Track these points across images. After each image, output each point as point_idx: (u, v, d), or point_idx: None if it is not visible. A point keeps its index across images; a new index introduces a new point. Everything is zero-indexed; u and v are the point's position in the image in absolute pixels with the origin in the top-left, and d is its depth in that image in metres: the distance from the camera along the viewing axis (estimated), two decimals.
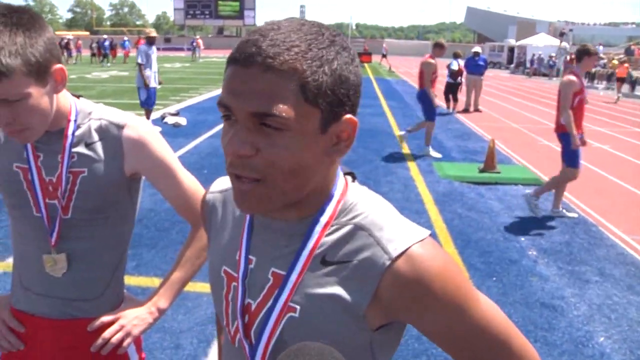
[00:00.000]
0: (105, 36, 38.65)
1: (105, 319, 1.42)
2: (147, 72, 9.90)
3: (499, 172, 7.66)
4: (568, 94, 5.70)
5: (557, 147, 10.25)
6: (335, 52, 0.81)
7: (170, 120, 11.34)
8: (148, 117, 10.13)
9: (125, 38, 41.15)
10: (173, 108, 13.22)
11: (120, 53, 38.18)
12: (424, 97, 8.78)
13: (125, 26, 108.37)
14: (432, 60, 8.66)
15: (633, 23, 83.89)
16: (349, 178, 0.96)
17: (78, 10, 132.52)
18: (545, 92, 23.88)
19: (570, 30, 55.18)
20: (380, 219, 0.88)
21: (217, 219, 1.04)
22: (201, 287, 3.99)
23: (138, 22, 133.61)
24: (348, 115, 0.84)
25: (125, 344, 1.40)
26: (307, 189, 0.85)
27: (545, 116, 15.02)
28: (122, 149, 1.38)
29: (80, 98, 1.43)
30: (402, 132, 9.46)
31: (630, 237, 5.50)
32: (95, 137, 1.38)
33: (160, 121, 11.32)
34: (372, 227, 0.87)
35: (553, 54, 37.12)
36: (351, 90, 0.83)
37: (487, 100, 17.48)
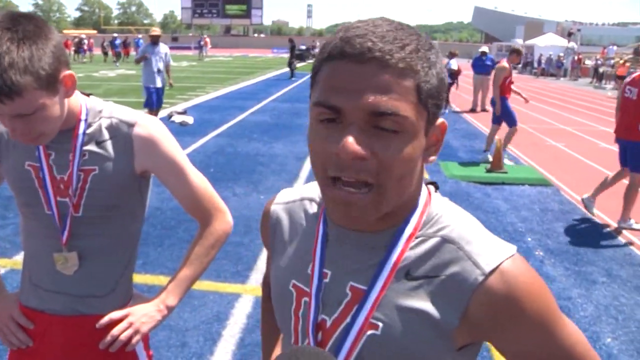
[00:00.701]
0: (115, 34, 38.14)
1: (114, 315, 1.43)
2: (153, 70, 9.54)
3: (505, 172, 7.64)
4: None
5: (564, 147, 10.30)
6: (436, 55, 0.79)
7: (177, 118, 11.37)
8: None
9: (139, 36, 40.83)
10: (180, 107, 13.26)
11: (133, 52, 37.31)
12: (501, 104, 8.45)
13: (133, 25, 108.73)
14: (505, 65, 8.45)
15: None
16: (432, 188, 0.91)
17: (86, 8, 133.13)
18: (553, 92, 23.80)
19: (578, 30, 55.01)
20: (469, 232, 0.84)
21: (283, 231, 0.99)
22: (207, 285, 4.00)
23: (146, 21, 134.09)
24: (441, 119, 0.82)
25: (133, 341, 1.41)
26: (405, 197, 0.81)
27: (552, 116, 14.97)
28: (133, 147, 1.39)
29: (90, 96, 1.44)
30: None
31: (638, 238, 5.48)
32: (106, 135, 1.39)
33: (167, 120, 11.34)
34: (460, 240, 0.82)
35: (561, 54, 36.94)
36: (445, 94, 0.81)
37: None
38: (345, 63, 0.73)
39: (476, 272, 0.79)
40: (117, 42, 34.48)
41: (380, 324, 0.82)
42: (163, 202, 5.63)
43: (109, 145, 1.39)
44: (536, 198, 6.73)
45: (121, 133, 1.39)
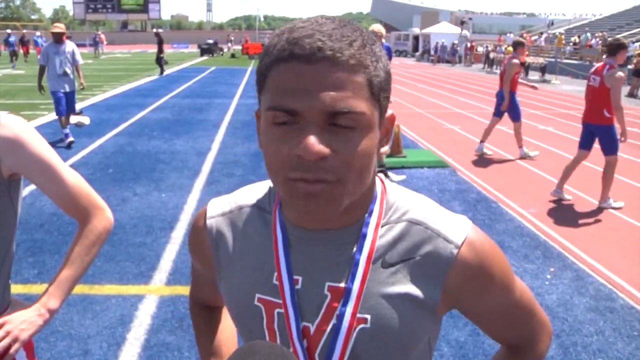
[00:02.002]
0: (9, 30, 33.28)
1: None
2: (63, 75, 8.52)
3: (405, 157, 7.92)
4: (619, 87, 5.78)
5: (460, 130, 10.82)
6: (380, 49, 0.78)
7: (72, 119, 10.75)
8: (63, 126, 8.71)
9: (38, 33, 36.10)
10: (76, 107, 12.59)
11: (32, 50, 33.15)
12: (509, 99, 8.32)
13: (19, 20, 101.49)
14: (517, 61, 8.23)
15: (524, 13, 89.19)
16: (382, 176, 0.93)
17: None
18: (449, 78, 24.90)
19: (470, 19, 57.78)
20: (430, 212, 0.87)
21: (228, 245, 0.93)
22: (109, 289, 3.87)
23: (33, 17, 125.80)
24: (390, 111, 0.84)
25: (12, 350, 1.33)
26: (364, 189, 0.81)
27: (448, 101, 15.67)
28: None
29: None
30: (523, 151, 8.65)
31: (526, 211, 5.89)
32: None
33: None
34: (426, 220, 0.85)
35: (455, 42, 38.68)
36: (390, 84, 0.82)
37: (392, 87, 17.96)
38: (295, 65, 0.72)
39: (449, 246, 0.83)
40: (12, 39, 29.74)
41: (369, 316, 0.82)
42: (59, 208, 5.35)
43: None
44: (434, 179, 7.05)
45: None
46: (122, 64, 30.54)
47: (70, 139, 8.69)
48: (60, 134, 8.87)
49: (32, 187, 1.46)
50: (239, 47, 44.60)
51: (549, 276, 4.27)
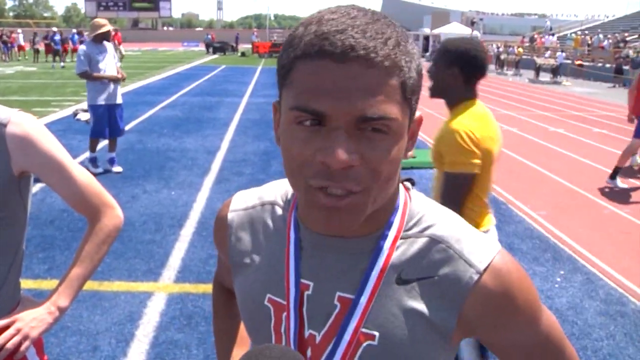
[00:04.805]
0: (55, 29, 31.78)
1: (0, 323, 1.35)
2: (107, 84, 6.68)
3: (414, 157, 7.89)
4: None
5: None
6: (413, 47, 0.72)
7: (82, 116, 10.82)
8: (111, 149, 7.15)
9: (74, 30, 34.60)
10: (86, 104, 12.65)
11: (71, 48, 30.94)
12: None
13: (32, 18, 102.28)
14: None
15: (536, 14, 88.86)
16: (408, 185, 0.86)
17: None
18: None
19: (481, 19, 57.60)
20: (455, 230, 0.80)
21: (245, 241, 0.91)
22: (118, 285, 3.88)
23: (46, 14, 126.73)
24: (419, 113, 0.77)
25: (22, 348, 1.33)
26: (387, 198, 0.76)
27: None
28: (7, 147, 1.30)
29: None
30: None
31: (536, 213, 5.85)
32: None
33: (72, 118, 10.83)
34: (449, 239, 0.79)
35: None
36: (421, 87, 0.75)
37: None
38: (325, 63, 0.66)
39: (470, 271, 0.76)
40: (56, 37, 27.67)
41: (377, 334, 0.77)
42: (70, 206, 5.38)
43: None
44: None
45: None
46: (133, 62, 30.65)
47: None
48: (71, 130, 8.88)
49: (43, 183, 1.45)
50: (249, 46, 44.64)
51: (559, 279, 4.24)
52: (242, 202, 0.94)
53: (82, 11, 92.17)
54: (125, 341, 3.25)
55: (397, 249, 0.79)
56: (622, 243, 5.10)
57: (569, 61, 27.79)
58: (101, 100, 6.75)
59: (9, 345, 1.31)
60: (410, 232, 0.80)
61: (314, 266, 0.81)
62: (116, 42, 30.68)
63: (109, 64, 6.66)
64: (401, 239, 0.80)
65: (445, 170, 2.27)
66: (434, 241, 0.79)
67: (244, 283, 0.90)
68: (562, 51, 29.25)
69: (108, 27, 6.64)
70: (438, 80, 2.38)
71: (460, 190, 2.25)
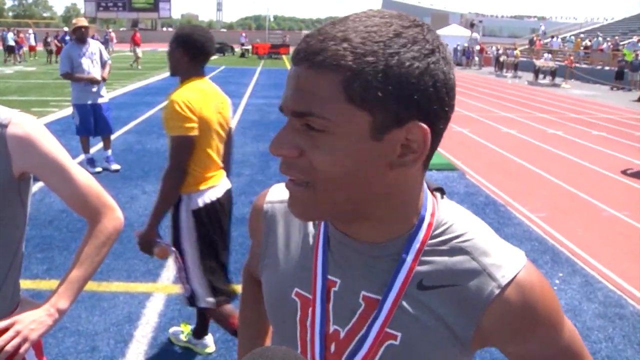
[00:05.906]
0: (66, 29, 31.23)
1: None
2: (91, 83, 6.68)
3: None
4: None
5: (469, 133, 10.77)
6: (400, 46, 0.68)
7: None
8: (106, 147, 7.19)
9: (65, 29, 35.11)
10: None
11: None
12: None
13: (31, 18, 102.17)
14: None
15: (535, 16, 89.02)
16: (438, 194, 0.87)
17: None
18: (458, 80, 24.76)
19: (480, 21, 57.67)
20: (482, 241, 0.81)
21: (279, 232, 0.93)
22: (117, 286, 3.88)
23: (45, 14, 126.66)
24: (416, 122, 0.71)
25: (22, 350, 1.32)
26: (367, 202, 0.76)
27: (457, 104, 15.50)
28: (7, 148, 1.30)
29: None
30: None
31: (535, 215, 5.86)
32: None
33: (71, 119, 10.80)
34: (474, 251, 0.80)
35: (466, 44, 38.57)
36: (419, 92, 0.69)
37: None
38: (292, 65, 0.74)
39: (492, 284, 0.77)
40: (67, 37, 25.68)
41: (399, 334, 0.80)
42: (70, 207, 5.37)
43: None
44: (443, 182, 7.02)
45: None
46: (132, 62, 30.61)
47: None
48: (70, 130, 8.88)
49: (42, 183, 1.45)
50: (249, 47, 44.66)
51: (557, 281, 4.25)
52: (279, 194, 0.96)
53: (82, 11, 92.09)
54: (123, 342, 3.25)
55: (422, 256, 0.80)
56: (620, 245, 5.11)
57: (563, 63, 27.80)
58: (85, 100, 6.83)
59: (9, 347, 1.30)
60: (436, 241, 0.81)
61: (341, 264, 0.84)
62: (133, 43, 29.98)
63: (92, 64, 6.71)
64: (427, 247, 0.81)
65: (169, 134, 2.62)
66: (460, 251, 0.80)
67: (271, 274, 0.93)
68: (549, 52, 29.16)
69: (83, 24, 6.67)
70: (171, 60, 2.75)
71: (183, 151, 2.60)
